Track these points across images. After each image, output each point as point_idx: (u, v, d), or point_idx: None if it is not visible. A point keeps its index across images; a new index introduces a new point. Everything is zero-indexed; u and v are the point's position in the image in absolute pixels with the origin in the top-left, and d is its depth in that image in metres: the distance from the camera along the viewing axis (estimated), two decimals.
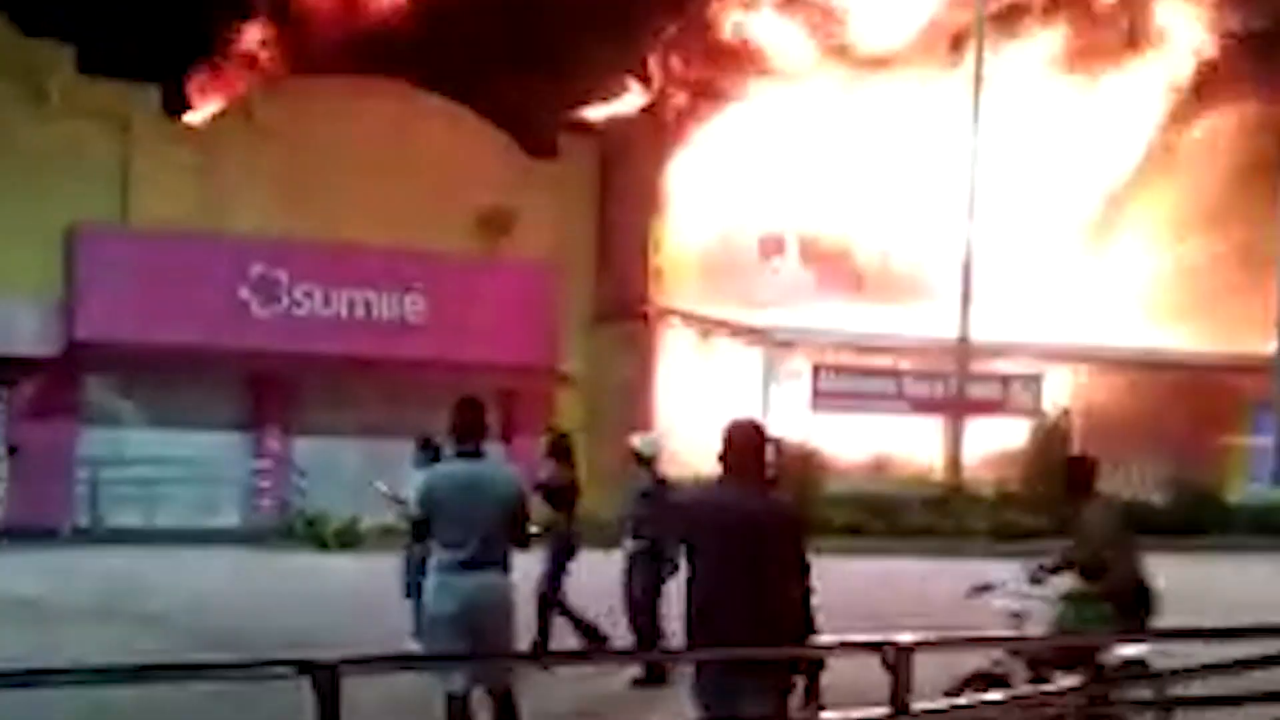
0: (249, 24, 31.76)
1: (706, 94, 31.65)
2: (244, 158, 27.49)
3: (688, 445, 27.73)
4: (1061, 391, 30.67)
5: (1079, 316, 32.63)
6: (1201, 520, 27.90)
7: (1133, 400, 30.99)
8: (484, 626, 8.32)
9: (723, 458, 7.19)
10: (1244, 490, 31.10)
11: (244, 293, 27.22)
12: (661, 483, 12.73)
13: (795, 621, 7.38)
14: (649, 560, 12.25)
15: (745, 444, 7.18)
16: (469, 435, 8.59)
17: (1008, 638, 9.66)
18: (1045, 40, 33.45)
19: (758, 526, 7.01)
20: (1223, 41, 33.86)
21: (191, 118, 29.29)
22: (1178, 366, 31.97)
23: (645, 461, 12.91)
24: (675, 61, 32.35)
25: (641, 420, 29.19)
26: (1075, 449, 28.89)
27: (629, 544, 12.63)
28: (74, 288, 26.10)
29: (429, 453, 13.28)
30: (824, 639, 7.72)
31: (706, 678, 6.99)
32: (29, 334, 25.71)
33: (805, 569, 7.41)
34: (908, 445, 30.33)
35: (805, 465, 26.62)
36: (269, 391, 27.72)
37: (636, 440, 13.29)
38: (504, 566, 8.50)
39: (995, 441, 30.07)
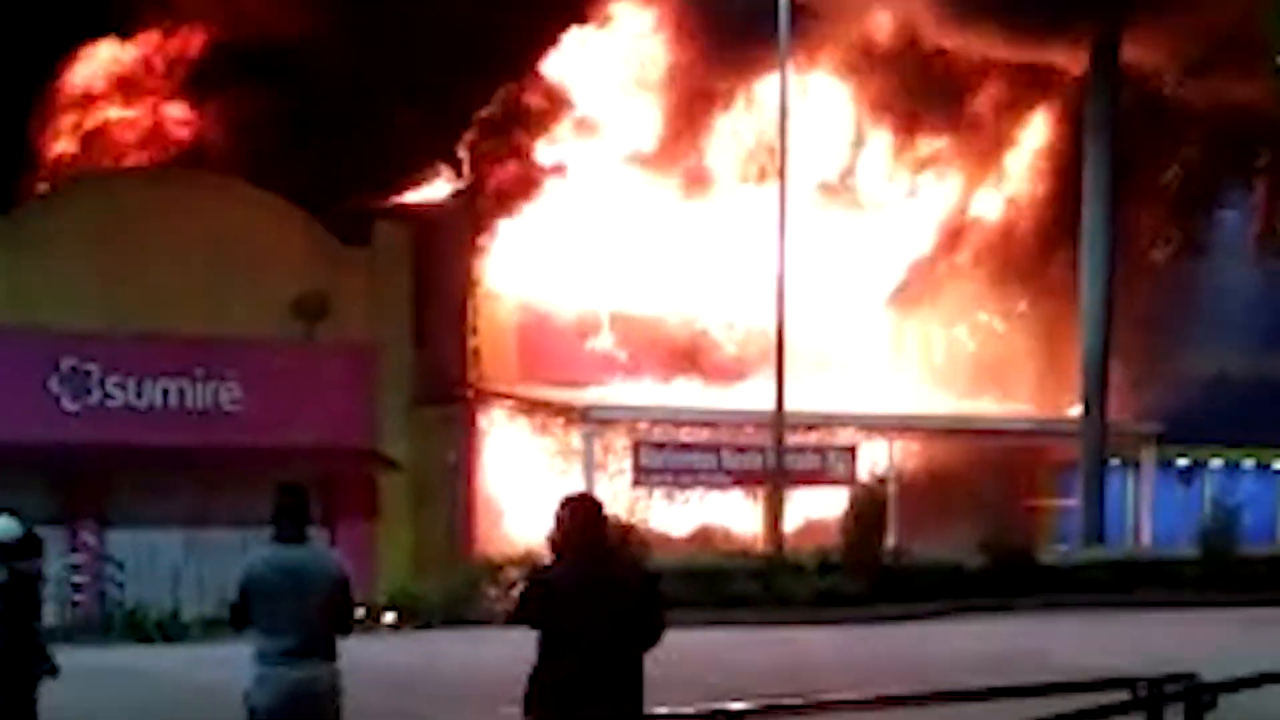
0: (52, 120, 31.37)
1: (518, 179, 31.99)
2: (53, 248, 27.08)
3: (515, 524, 28.01)
4: (877, 461, 31.28)
5: (891, 388, 33.40)
6: (1016, 582, 28.56)
7: (946, 467, 31.75)
8: (309, 718, 8.20)
9: (558, 536, 7.23)
10: (1054, 551, 31.94)
11: (54, 385, 26.76)
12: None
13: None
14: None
15: (584, 517, 7.24)
16: (289, 520, 8.41)
17: (837, 702, 9.84)
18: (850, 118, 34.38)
19: (619, 595, 7.11)
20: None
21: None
22: (987, 433, 32.84)
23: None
24: (487, 145, 32.62)
25: (465, 502, 29.25)
26: (891, 517, 29.58)
27: None
28: None
29: None
30: (658, 710, 7.81)
31: None
32: None
33: (658, 632, 7.38)
34: (730, 518, 30.73)
35: (626, 540, 26.84)
36: (82, 485, 27.22)
37: None
38: (329, 655, 8.35)
39: (814, 511, 30.58)
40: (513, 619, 7.42)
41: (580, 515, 7.25)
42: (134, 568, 26.28)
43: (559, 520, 7.27)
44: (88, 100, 33.22)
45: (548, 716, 7.09)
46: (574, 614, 7.07)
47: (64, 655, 21.85)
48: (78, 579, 26.51)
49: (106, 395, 27.22)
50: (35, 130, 32.12)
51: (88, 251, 27.25)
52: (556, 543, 7.30)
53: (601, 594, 7.09)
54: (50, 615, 25.82)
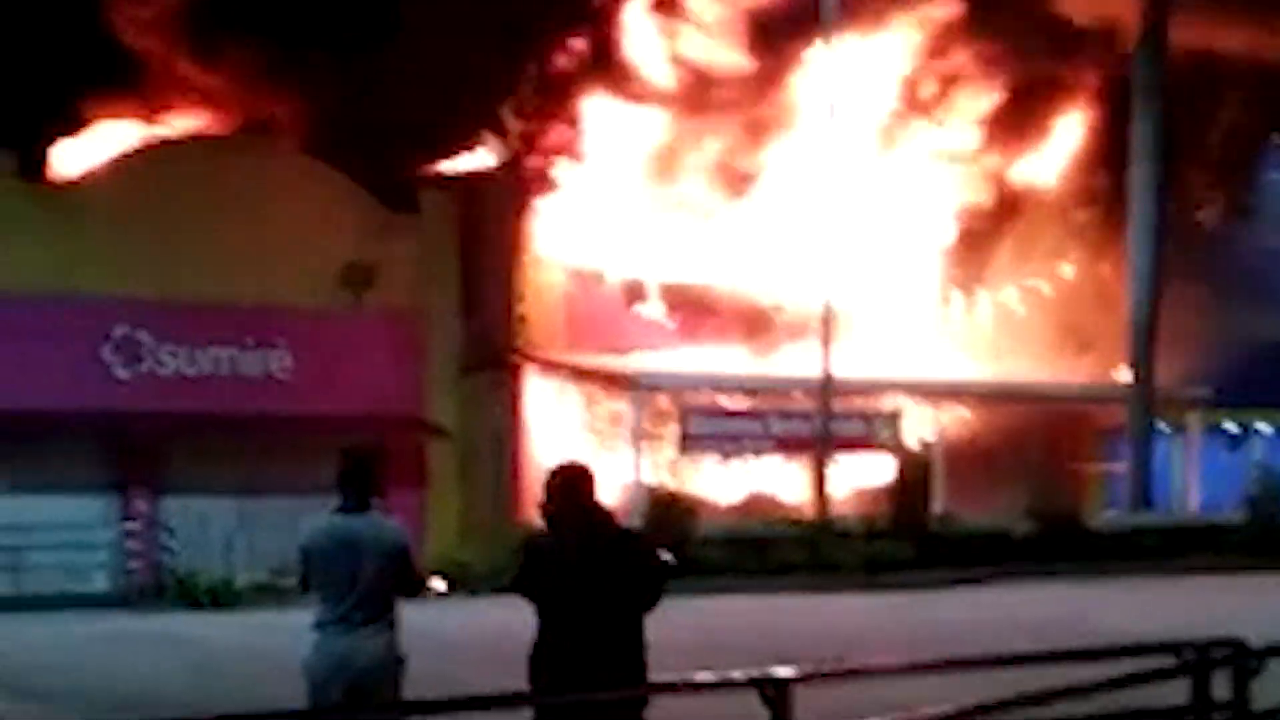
0: (107, 88, 31.49)
1: (565, 144, 32.04)
2: (104, 219, 27.31)
3: None
4: (924, 427, 31.27)
5: (938, 353, 33.35)
6: (1063, 547, 28.57)
7: (992, 432, 31.71)
8: (362, 685, 8.18)
9: (548, 505, 7.31)
10: (1102, 516, 31.91)
11: (106, 354, 27.03)
12: None
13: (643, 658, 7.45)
14: None
15: (572, 485, 7.31)
16: (350, 487, 8.39)
17: (883, 667, 9.90)
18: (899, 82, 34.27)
19: (608, 561, 7.17)
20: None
21: (49, 181, 29.04)
22: (1034, 398, 32.77)
23: None
24: (533, 109, 32.68)
25: (512, 469, 29.39)
26: (937, 483, 29.61)
27: None
28: None
29: None
30: (702, 676, 7.90)
31: None
32: None
33: (656, 595, 7.40)
34: (777, 485, 30.78)
35: (672, 507, 27.00)
36: (135, 453, 27.49)
37: None
38: (386, 623, 8.35)
39: (862, 479, 30.61)
40: (509, 588, 7.48)
41: (568, 483, 7.30)
42: (186, 535, 26.56)
43: (548, 489, 7.33)
44: (143, 65, 33.32)
45: (548, 686, 7.16)
46: (564, 582, 7.15)
47: (117, 621, 22.29)
48: (131, 545, 26.82)
49: (158, 363, 27.48)
50: (86, 96, 32.26)
51: (138, 220, 27.45)
52: (547, 510, 7.37)
53: (590, 561, 7.15)
54: (104, 581, 26.37)
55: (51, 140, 30.12)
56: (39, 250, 26.73)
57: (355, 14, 32.08)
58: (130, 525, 26.97)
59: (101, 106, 31.34)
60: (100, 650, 19.60)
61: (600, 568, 7.17)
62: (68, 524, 26.26)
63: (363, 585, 8.28)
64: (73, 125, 30.70)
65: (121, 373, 27.15)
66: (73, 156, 30.01)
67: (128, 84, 31.70)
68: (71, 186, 28.48)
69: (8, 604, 23.87)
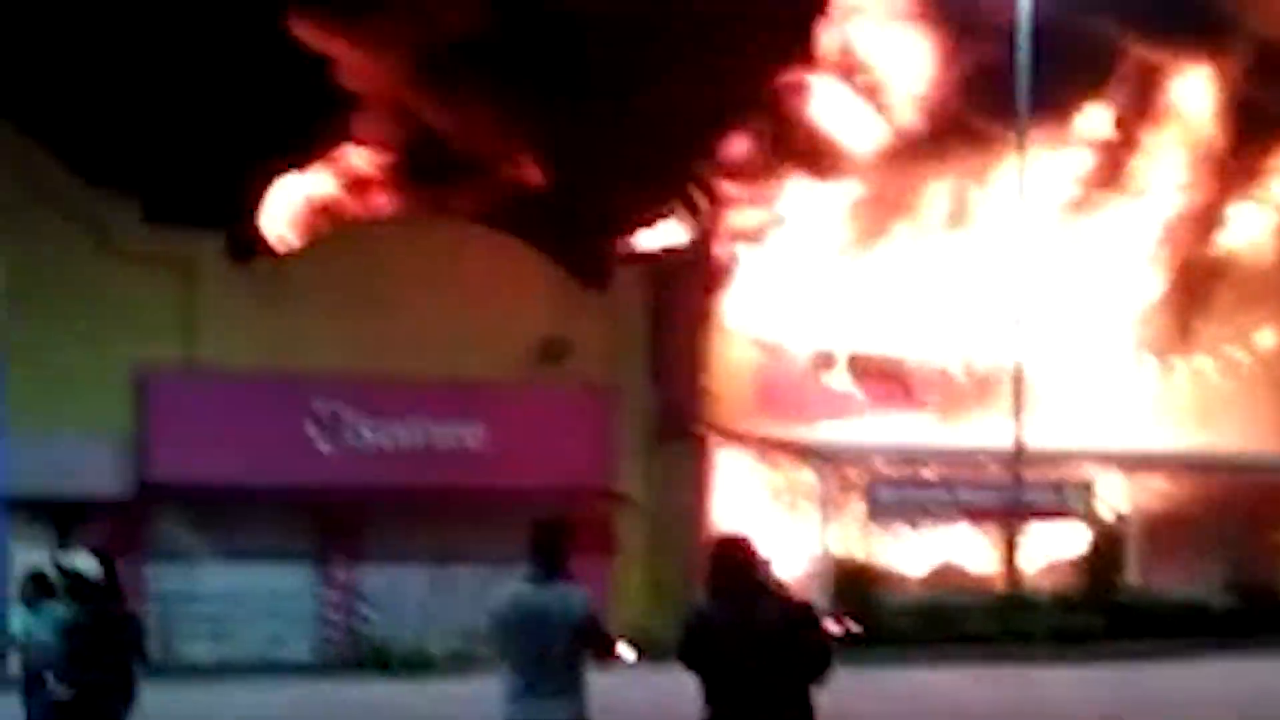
0: (308, 169, 32.60)
1: (754, 220, 32.34)
2: (306, 297, 28.15)
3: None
4: (1117, 496, 30.85)
5: (1134, 422, 32.88)
6: (1262, 620, 27.95)
7: (1188, 503, 31.16)
8: None
9: (710, 578, 7.46)
10: None
11: (309, 429, 27.82)
12: None
13: None
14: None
15: (731, 557, 7.46)
16: (538, 558, 8.50)
17: None
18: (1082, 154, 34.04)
19: (764, 632, 7.28)
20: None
21: (256, 261, 30.03)
22: (1230, 467, 32.16)
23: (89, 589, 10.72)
24: (724, 186, 33.03)
25: (700, 539, 29.54)
26: (1131, 554, 29.16)
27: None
28: (144, 429, 26.76)
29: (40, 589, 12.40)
30: None
31: None
32: (102, 475, 26.28)
33: (824, 662, 7.46)
34: (966, 556, 30.56)
35: (859, 578, 26.94)
36: (335, 524, 28.20)
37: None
38: (572, 694, 8.40)
39: (1053, 550, 30.26)
40: (678, 658, 7.56)
41: (726, 554, 7.46)
42: (383, 603, 27.17)
43: (710, 561, 7.51)
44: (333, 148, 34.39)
45: None
46: (725, 653, 7.28)
47: (317, 688, 22.85)
48: (331, 614, 27.50)
49: (357, 436, 28.20)
50: (286, 179, 33.38)
51: (339, 298, 28.25)
52: (708, 582, 7.52)
53: (747, 632, 7.26)
54: (304, 649, 27.07)
55: (255, 217, 31.19)
56: (247, 328, 27.66)
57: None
58: (329, 594, 27.66)
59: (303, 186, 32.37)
60: (301, 717, 20.11)
61: (759, 640, 7.29)
62: (271, 593, 27.03)
63: (550, 656, 8.39)
64: (276, 205, 31.75)
65: (324, 447, 27.90)
66: (274, 224, 30.95)
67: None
68: (276, 266, 29.43)
69: (214, 670, 24.61)
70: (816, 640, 7.53)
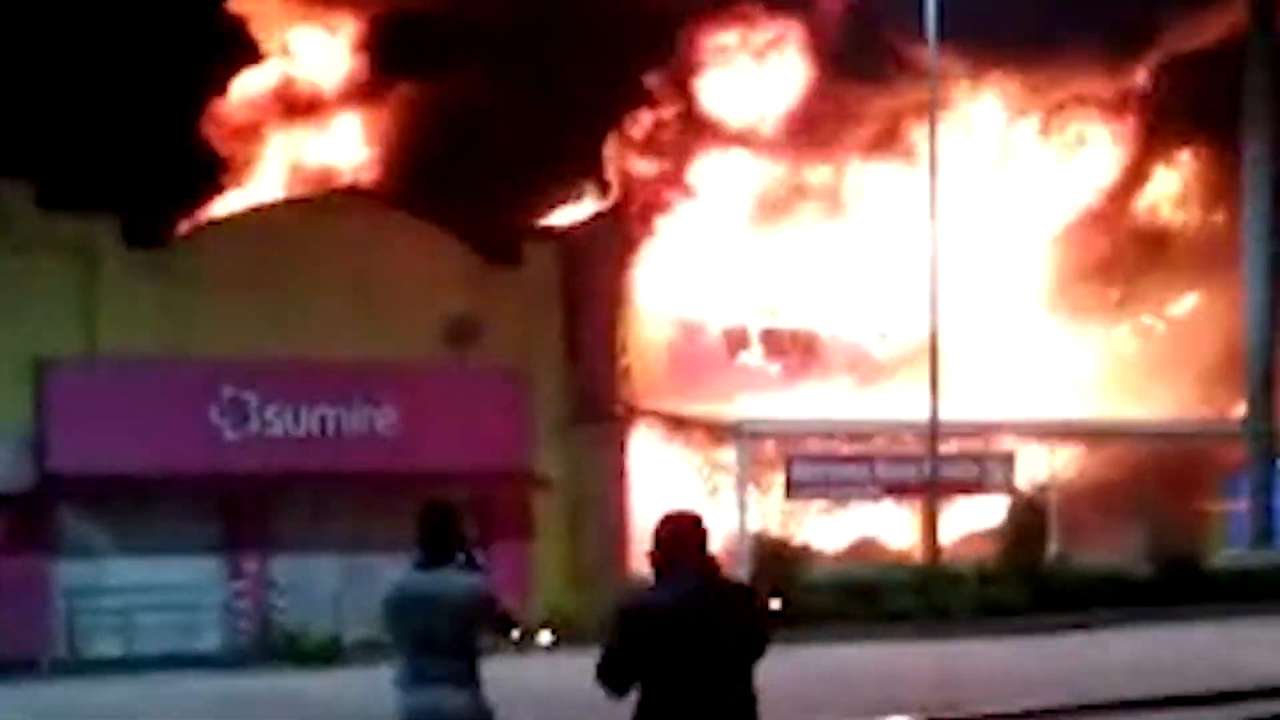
0: (207, 148, 32.02)
1: (665, 195, 32.04)
2: (209, 280, 27.55)
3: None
4: (1037, 467, 30.79)
5: (1049, 393, 32.86)
6: (1183, 588, 27.96)
7: (1107, 472, 31.17)
8: None
9: (658, 555, 6.82)
10: (1223, 555, 31.23)
11: (215, 416, 27.20)
12: None
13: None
14: None
15: (686, 534, 6.86)
16: (425, 542, 8.27)
17: (1001, 714, 9.64)
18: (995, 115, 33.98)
19: (727, 614, 6.82)
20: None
21: (155, 244, 29.37)
22: (1149, 436, 32.21)
23: None
24: (632, 161, 32.70)
25: (618, 520, 29.24)
26: (1053, 525, 29.10)
27: None
28: (44, 421, 26.05)
29: None
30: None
31: None
32: (2, 468, 25.59)
33: (765, 643, 6.97)
34: (886, 530, 30.42)
35: (779, 554, 26.72)
36: (244, 513, 27.64)
37: None
38: (462, 682, 8.15)
39: (973, 522, 30.17)
40: (608, 659, 6.83)
41: (679, 532, 6.86)
42: (294, 593, 26.64)
43: (657, 538, 6.89)
44: (242, 128, 33.83)
45: None
46: (676, 637, 6.70)
47: (228, 680, 22.36)
48: (240, 605, 26.95)
49: (265, 423, 27.60)
50: (190, 158, 32.78)
51: (243, 282, 27.66)
52: (655, 560, 6.91)
53: (703, 613, 6.73)
54: (214, 640, 26.50)
55: (156, 204, 30.54)
56: (149, 314, 27.02)
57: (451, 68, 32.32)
58: (239, 585, 27.12)
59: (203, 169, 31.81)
60: (212, 710, 19.64)
61: (713, 620, 6.79)
62: (179, 585, 26.45)
63: (435, 641, 8.14)
64: (175, 189, 31.16)
65: (230, 434, 27.30)
66: (175, 220, 30.40)
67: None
68: (175, 251, 28.77)
69: (119, 665, 24.02)
70: (762, 619, 7.05)
